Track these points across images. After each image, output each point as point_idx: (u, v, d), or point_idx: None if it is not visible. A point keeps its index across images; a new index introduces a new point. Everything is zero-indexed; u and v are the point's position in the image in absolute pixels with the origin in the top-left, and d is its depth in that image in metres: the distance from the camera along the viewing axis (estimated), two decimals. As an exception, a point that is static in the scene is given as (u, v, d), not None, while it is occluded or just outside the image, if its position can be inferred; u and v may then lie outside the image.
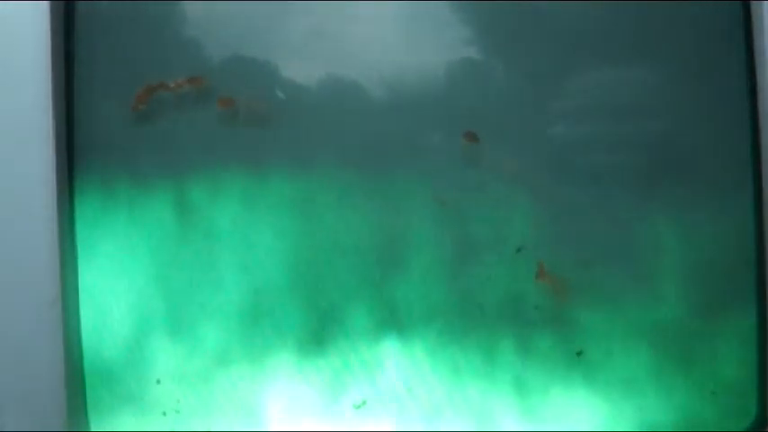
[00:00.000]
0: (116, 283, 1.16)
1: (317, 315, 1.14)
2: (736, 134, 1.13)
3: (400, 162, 1.14)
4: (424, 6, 1.16)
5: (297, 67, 1.16)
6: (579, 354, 1.14)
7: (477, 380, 1.15)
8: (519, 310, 1.14)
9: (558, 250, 1.15)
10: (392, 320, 1.14)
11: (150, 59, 1.15)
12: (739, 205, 1.13)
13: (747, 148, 1.13)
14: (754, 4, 1.12)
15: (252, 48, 1.16)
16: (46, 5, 1.13)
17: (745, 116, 1.13)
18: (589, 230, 1.15)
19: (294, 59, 1.16)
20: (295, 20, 1.16)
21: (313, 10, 1.16)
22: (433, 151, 1.14)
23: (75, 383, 1.15)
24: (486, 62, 1.15)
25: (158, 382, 1.15)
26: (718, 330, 1.14)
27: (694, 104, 1.14)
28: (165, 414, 1.15)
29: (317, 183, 1.14)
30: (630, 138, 1.14)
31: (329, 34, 1.16)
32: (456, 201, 1.14)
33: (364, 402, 1.14)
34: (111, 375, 1.16)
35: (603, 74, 1.14)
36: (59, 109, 1.13)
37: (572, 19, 1.15)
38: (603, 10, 1.14)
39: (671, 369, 1.14)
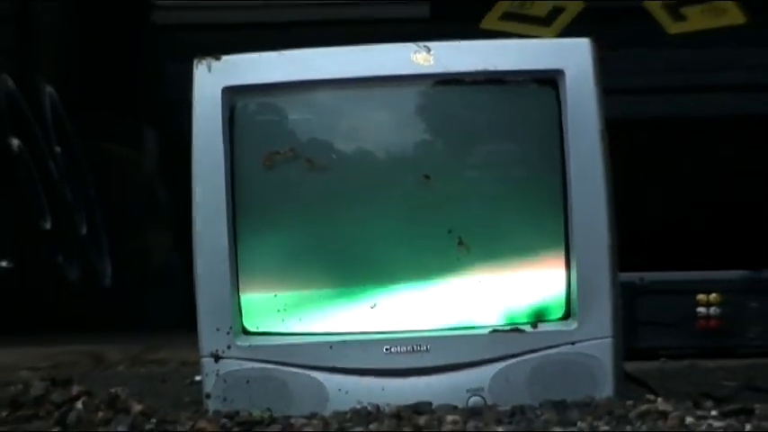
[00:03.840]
0: (260, 257, 2.37)
1: (345, 258, 2.36)
2: (548, 173, 2.35)
3: (391, 187, 2.36)
4: (406, 111, 2.38)
5: (341, 142, 2.38)
6: (480, 282, 2.35)
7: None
8: (447, 261, 2.35)
9: (471, 231, 2.35)
10: (383, 261, 2.35)
11: (272, 139, 2.37)
12: (550, 203, 2.34)
13: (557, 179, 2.34)
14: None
15: (319, 134, 2.38)
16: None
17: (556, 161, 2.33)
18: (485, 221, 2.36)
19: (341, 138, 2.38)
20: (340, 119, 2.39)
21: (349, 114, 2.39)
22: (407, 182, 2.35)
23: (237, 306, 2.36)
24: (433, 140, 2.39)
25: (275, 296, 2.36)
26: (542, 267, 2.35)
27: (525, 160, 2.37)
28: (279, 311, 2.36)
29: (351, 196, 2.36)
30: (498, 175, 2.37)
31: (356, 125, 2.38)
32: (419, 207, 2.35)
33: (375, 304, 2.35)
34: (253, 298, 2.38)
35: (482, 146, 2.38)
36: (227, 165, 2.35)
37: (468, 118, 2.39)
38: (481, 118, 2.37)
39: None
